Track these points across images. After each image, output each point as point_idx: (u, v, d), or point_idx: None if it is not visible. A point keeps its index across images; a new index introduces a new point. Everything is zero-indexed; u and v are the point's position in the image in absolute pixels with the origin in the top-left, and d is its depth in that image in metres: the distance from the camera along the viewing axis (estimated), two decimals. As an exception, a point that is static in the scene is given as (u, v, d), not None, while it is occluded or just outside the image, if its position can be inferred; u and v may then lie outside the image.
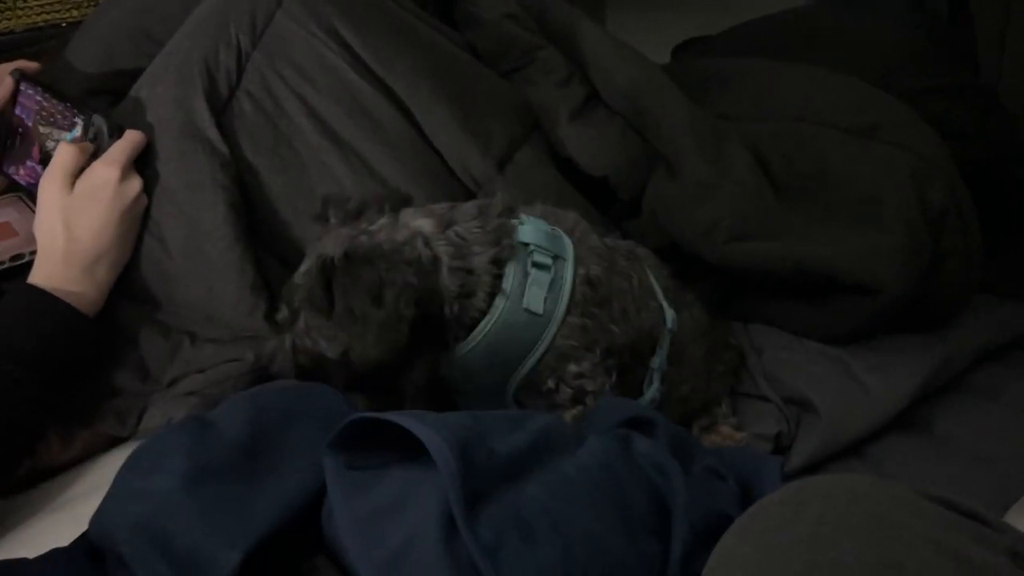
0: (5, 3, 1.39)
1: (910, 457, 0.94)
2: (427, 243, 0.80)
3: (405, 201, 0.86)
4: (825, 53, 1.27)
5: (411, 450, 0.61)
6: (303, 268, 0.81)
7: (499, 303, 0.81)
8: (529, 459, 0.62)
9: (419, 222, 0.81)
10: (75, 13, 1.44)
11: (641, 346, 0.89)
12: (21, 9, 1.41)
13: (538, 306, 0.81)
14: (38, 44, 1.39)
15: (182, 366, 0.94)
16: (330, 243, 0.80)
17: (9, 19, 1.39)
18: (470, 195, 1.05)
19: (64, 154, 0.93)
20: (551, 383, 0.84)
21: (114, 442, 0.96)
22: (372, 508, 0.59)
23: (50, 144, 1.03)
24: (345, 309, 0.74)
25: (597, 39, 1.20)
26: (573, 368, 0.84)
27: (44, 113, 1.04)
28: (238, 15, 0.99)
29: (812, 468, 0.94)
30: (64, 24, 1.43)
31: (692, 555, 0.62)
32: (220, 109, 0.98)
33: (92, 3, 1.45)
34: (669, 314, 0.90)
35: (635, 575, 0.60)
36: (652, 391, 0.90)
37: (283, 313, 0.82)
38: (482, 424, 0.62)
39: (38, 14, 1.42)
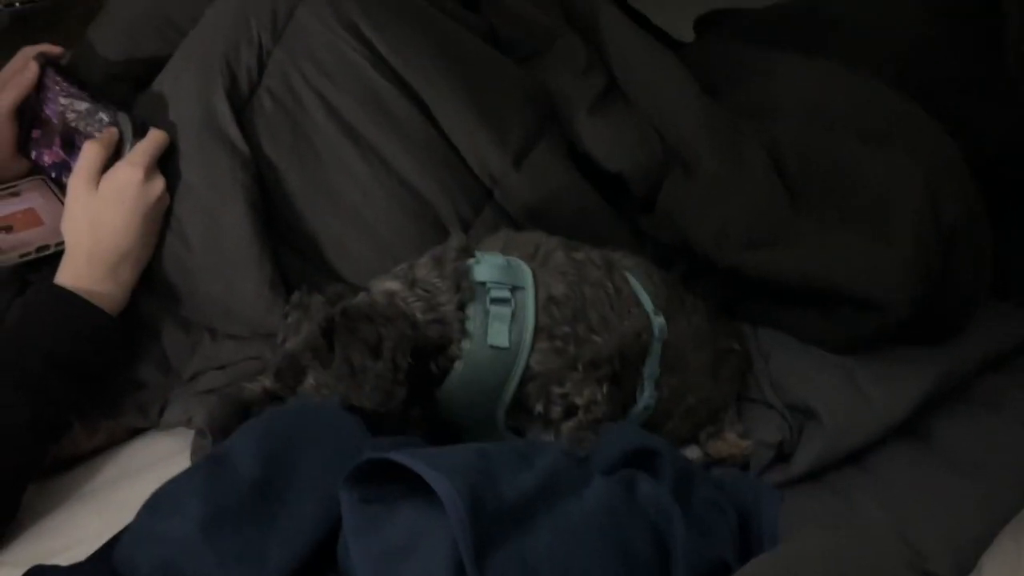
0: (28, -29, 1.39)
1: (909, 467, 0.96)
2: (404, 301, 0.82)
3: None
4: (845, 42, 1.25)
5: (422, 486, 0.64)
6: (292, 340, 0.83)
7: (465, 345, 0.83)
8: (536, 502, 0.64)
9: (388, 285, 0.84)
10: (96, -19, 1.44)
11: (630, 352, 0.90)
12: (42, -24, 1.41)
13: (503, 340, 0.83)
14: (60, 12, 1.40)
15: (203, 361, 0.97)
16: (320, 311, 0.82)
17: (31, -13, 1.39)
18: (486, 191, 1.06)
19: (89, 153, 0.94)
20: (539, 407, 0.86)
21: (136, 431, 1.00)
22: (385, 548, 0.62)
23: (73, 132, 1.04)
24: (344, 362, 0.77)
25: (618, 29, 1.19)
26: (556, 389, 0.86)
27: (68, 100, 1.05)
28: (259, 11, 1.00)
29: (812, 475, 0.96)
30: (80, -7, 1.42)
31: None
32: (241, 106, 0.99)
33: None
34: (657, 321, 0.92)
35: None
36: (645, 398, 0.91)
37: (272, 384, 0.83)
38: (490, 463, 0.65)
39: (59, -19, 1.42)
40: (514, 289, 0.85)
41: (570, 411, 0.86)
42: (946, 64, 1.20)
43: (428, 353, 0.82)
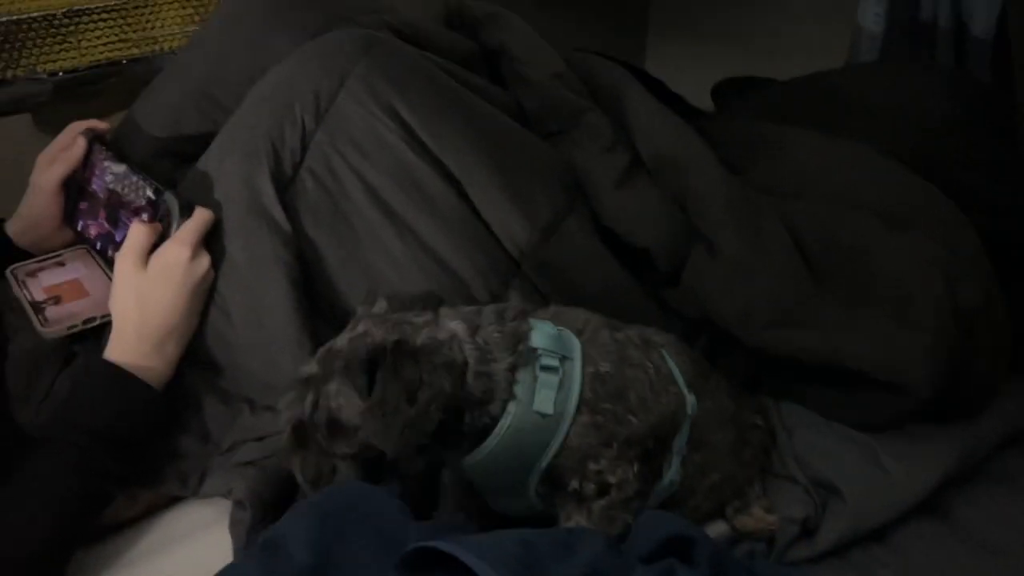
0: (69, 42, 1.44)
1: (930, 545, 0.98)
2: (460, 347, 0.84)
3: (440, 302, 0.91)
4: (866, 120, 1.30)
5: (468, 570, 0.66)
6: (346, 336, 0.85)
7: (511, 408, 0.84)
8: None
9: (454, 324, 0.85)
10: (135, 51, 1.49)
11: (663, 432, 0.92)
12: (84, 47, 1.45)
13: (548, 407, 0.85)
14: (101, 82, 1.45)
15: (241, 432, 1.00)
16: (380, 329, 0.83)
17: (74, 58, 1.44)
18: (515, 265, 1.09)
19: (137, 234, 0.98)
20: (575, 483, 0.87)
21: (174, 499, 1.02)
22: None
23: (118, 207, 1.08)
24: (380, 398, 0.78)
25: (643, 106, 1.22)
26: (592, 466, 0.87)
27: (113, 175, 1.09)
28: (302, 95, 1.04)
29: (836, 552, 0.98)
30: (124, 61, 1.47)
31: None
32: (284, 186, 1.02)
33: (151, 41, 1.50)
34: (689, 399, 0.94)
35: None
36: (672, 473, 0.93)
37: (312, 369, 0.84)
38: (533, 554, 0.67)
39: (100, 52, 1.46)
40: (563, 359, 0.87)
41: (603, 489, 0.87)
42: (963, 146, 1.24)
43: (467, 406, 0.83)
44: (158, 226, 1.00)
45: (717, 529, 0.99)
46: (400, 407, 0.78)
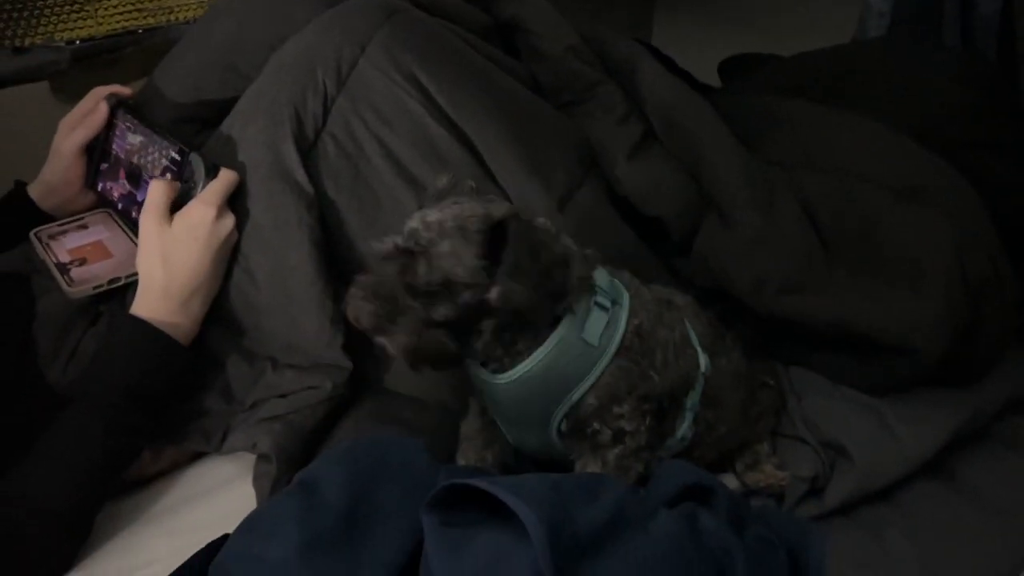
0: (86, 11, 1.45)
1: (935, 505, 1.01)
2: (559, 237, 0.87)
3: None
4: (874, 98, 1.32)
5: (496, 510, 0.69)
6: (435, 210, 0.85)
7: (566, 322, 0.87)
8: (606, 534, 0.69)
9: (540, 220, 0.88)
10: (151, 20, 1.50)
11: (678, 390, 0.95)
12: (101, 16, 1.46)
13: (594, 338, 0.88)
14: (117, 51, 1.46)
15: (264, 390, 1.02)
16: (475, 203, 0.85)
17: (91, 27, 1.45)
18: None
19: (157, 191, 0.99)
20: (596, 424, 0.90)
21: (197, 455, 1.04)
22: (468, 570, 0.67)
23: (141, 169, 1.10)
24: (514, 260, 0.81)
25: (657, 79, 1.24)
26: (616, 409, 0.90)
27: (136, 138, 1.10)
28: (324, 61, 1.05)
29: (844, 511, 1.01)
30: (141, 31, 1.48)
31: None
32: (307, 150, 1.04)
33: (167, 11, 1.51)
34: (703, 359, 0.97)
35: None
36: (684, 428, 0.97)
37: (402, 240, 0.84)
38: (562, 495, 0.70)
39: (117, 21, 1.47)
40: (613, 303, 0.90)
41: (618, 436, 0.90)
42: (973, 126, 1.26)
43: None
44: (176, 183, 1.02)
45: (728, 485, 1.01)
46: (531, 267, 0.81)
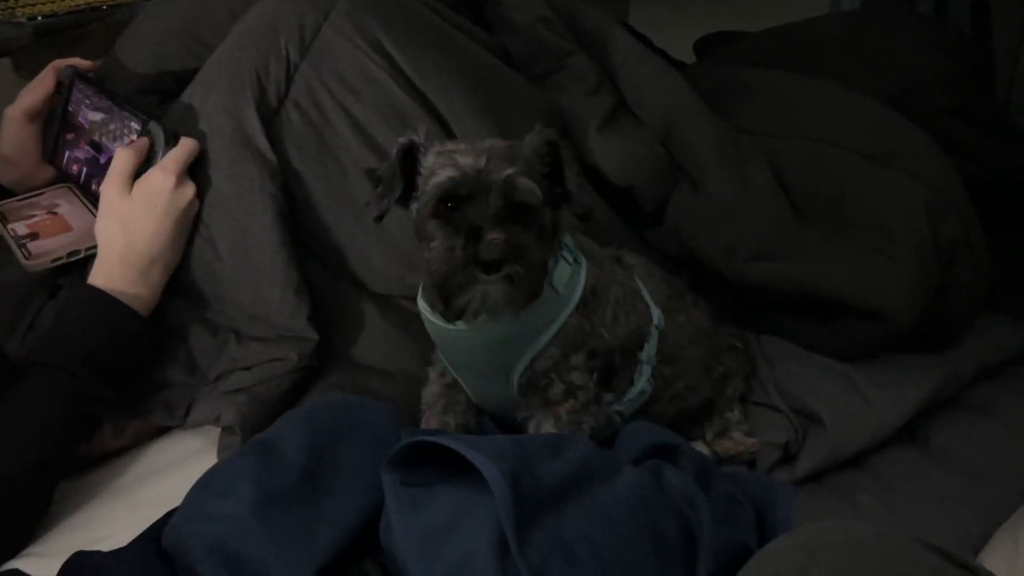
0: (49, -14, 1.43)
1: (909, 471, 1.00)
2: None
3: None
4: (847, 67, 1.31)
5: (457, 469, 0.68)
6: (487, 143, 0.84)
7: None
8: (571, 487, 0.68)
9: None
10: (116, -4, 1.48)
11: (629, 345, 0.95)
12: (65, -8, 1.44)
13: (560, 286, 0.88)
14: (81, 27, 1.44)
15: (228, 362, 1.00)
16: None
17: (53, 2, 1.43)
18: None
19: (121, 159, 0.98)
20: (553, 375, 0.89)
21: (162, 430, 1.02)
22: (428, 527, 0.66)
23: (102, 139, 1.08)
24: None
25: (628, 50, 1.23)
26: (572, 359, 0.90)
27: (97, 109, 1.08)
28: (287, 27, 1.03)
29: (816, 477, 1.00)
30: (105, 7, 1.46)
31: None
32: (269, 118, 1.03)
33: (132, -13, 1.49)
34: (655, 312, 0.97)
35: None
36: (642, 382, 0.96)
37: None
38: (526, 451, 0.69)
39: (80, -2, 1.45)
40: (574, 260, 0.90)
41: (569, 391, 0.90)
42: (947, 96, 1.26)
43: None
44: (144, 145, 1.00)
45: (699, 454, 1.01)
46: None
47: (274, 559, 0.67)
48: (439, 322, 0.87)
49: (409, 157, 0.86)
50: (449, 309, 0.82)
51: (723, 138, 1.14)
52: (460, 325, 0.85)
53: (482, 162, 0.80)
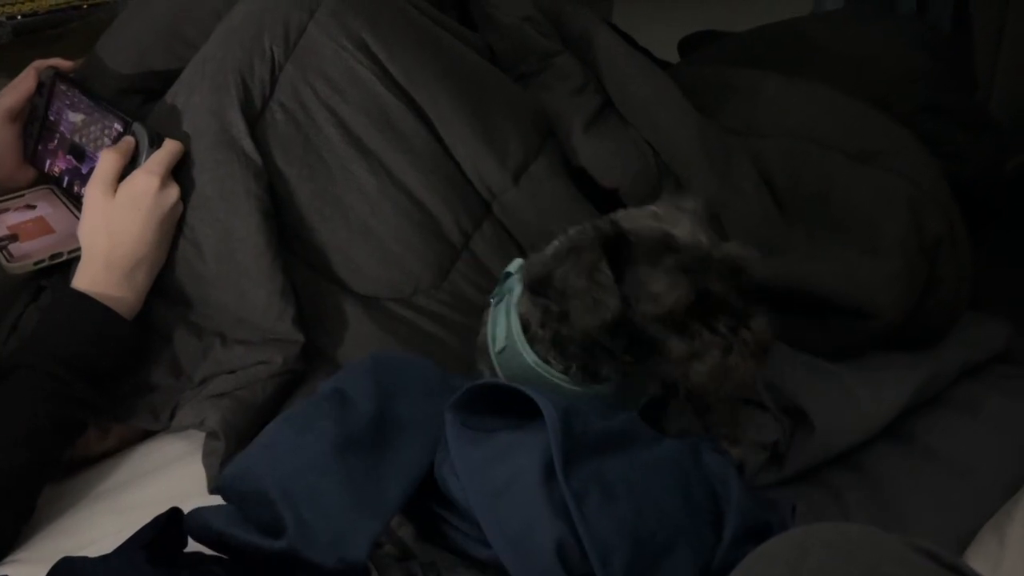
0: (28, -14, 1.41)
1: (896, 469, 1.00)
2: None
3: None
4: (830, 66, 1.32)
5: (515, 420, 0.74)
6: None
7: None
8: (615, 441, 0.75)
9: None
10: (97, -5, 1.47)
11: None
12: (44, -8, 1.43)
13: None
14: (61, 26, 1.42)
15: (213, 366, 0.99)
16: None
17: (33, 1, 1.41)
18: (486, 205, 1.10)
19: (106, 161, 0.97)
20: None
21: (147, 434, 1.01)
22: (483, 456, 0.73)
23: (84, 142, 1.07)
24: None
25: (613, 49, 1.23)
26: None
27: (78, 111, 1.07)
28: (272, 27, 1.03)
29: (804, 475, 1.00)
30: (86, 6, 1.45)
31: (738, 545, 0.72)
32: (254, 119, 1.02)
33: (113, -14, 1.48)
34: None
35: (691, 547, 0.72)
36: None
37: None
38: (579, 407, 0.76)
39: (60, -3, 1.44)
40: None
41: None
42: (927, 94, 1.27)
43: None
44: (129, 146, 0.99)
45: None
46: None
47: (349, 500, 0.71)
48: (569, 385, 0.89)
49: None
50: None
51: (707, 136, 1.15)
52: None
53: None
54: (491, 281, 1.07)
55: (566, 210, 1.13)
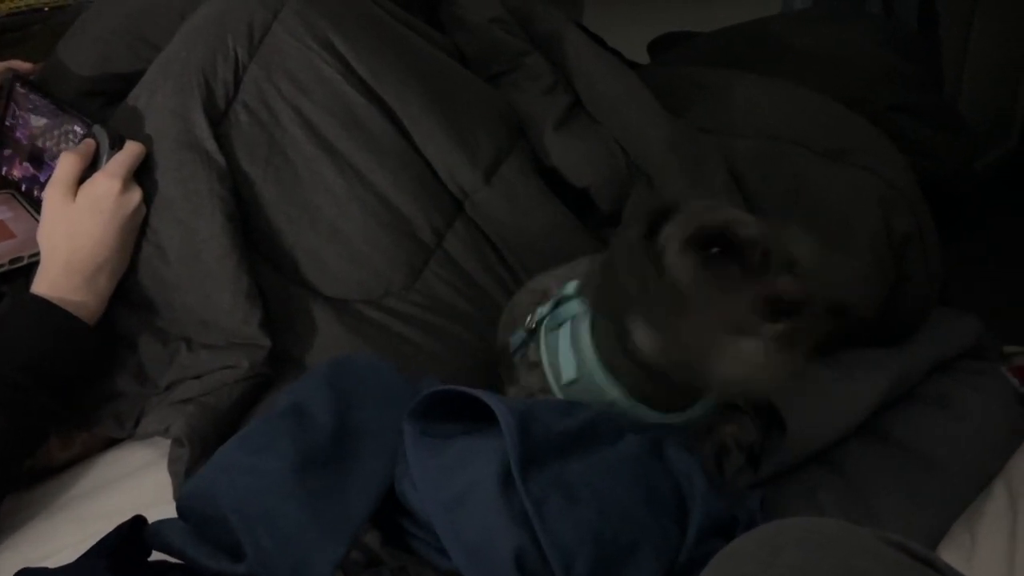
0: (-12, -11, 1.39)
1: (872, 465, 1.00)
2: None
3: None
4: (800, 66, 1.32)
5: (473, 425, 0.73)
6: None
7: None
8: (575, 441, 0.73)
9: None
10: (58, -1, 1.44)
11: None
12: (4, -5, 1.41)
13: None
14: (21, 29, 1.40)
15: (179, 371, 0.98)
16: None
17: (-7, 5, 1.39)
18: (457, 205, 1.09)
19: (66, 163, 0.95)
20: None
21: (111, 442, 1.00)
22: (439, 465, 0.71)
23: (44, 146, 1.05)
24: None
25: (582, 49, 1.23)
26: None
27: (38, 115, 1.05)
28: (235, 26, 1.01)
29: (780, 475, 0.99)
30: (47, 9, 1.42)
31: (703, 540, 0.72)
32: (217, 120, 1.00)
33: (75, -12, 1.46)
34: None
35: (655, 546, 0.71)
36: None
37: None
38: (538, 407, 0.75)
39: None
40: None
41: None
42: (895, 92, 1.27)
43: None
44: (89, 148, 0.97)
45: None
46: None
47: (311, 521, 0.69)
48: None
49: None
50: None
51: (677, 136, 1.14)
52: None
53: None
54: (467, 282, 1.06)
55: (538, 209, 1.12)
